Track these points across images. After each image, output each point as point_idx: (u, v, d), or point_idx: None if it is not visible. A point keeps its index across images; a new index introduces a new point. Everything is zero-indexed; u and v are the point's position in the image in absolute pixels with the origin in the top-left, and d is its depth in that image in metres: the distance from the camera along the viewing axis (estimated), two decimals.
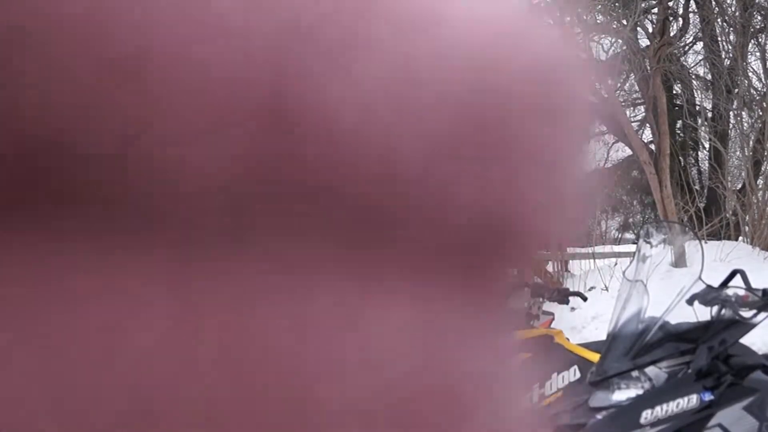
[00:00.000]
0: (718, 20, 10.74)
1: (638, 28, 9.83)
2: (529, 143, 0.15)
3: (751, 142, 9.59)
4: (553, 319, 4.69)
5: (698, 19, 12.33)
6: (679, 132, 14.77)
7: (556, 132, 0.15)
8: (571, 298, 4.04)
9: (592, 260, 9.43)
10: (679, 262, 4.44)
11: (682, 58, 12.81)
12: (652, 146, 11.30)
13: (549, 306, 4.33)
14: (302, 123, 0.13)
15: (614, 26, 10.55)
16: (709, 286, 2.16)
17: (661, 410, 1.99)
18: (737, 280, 2.18)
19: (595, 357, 2.85)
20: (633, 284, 2.25)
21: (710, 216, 8.72)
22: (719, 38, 10.93)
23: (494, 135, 0.14)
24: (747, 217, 8.63)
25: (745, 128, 9.88)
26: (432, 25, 0.14)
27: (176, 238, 0.13)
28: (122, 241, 0.12)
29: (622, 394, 2.09)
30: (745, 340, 2.15)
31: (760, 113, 9.51)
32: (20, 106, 0.12)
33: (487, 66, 0.14)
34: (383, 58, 0.13)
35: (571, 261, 10.45)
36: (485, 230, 0.15)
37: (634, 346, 2.14)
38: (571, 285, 8.12)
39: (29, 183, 0.12)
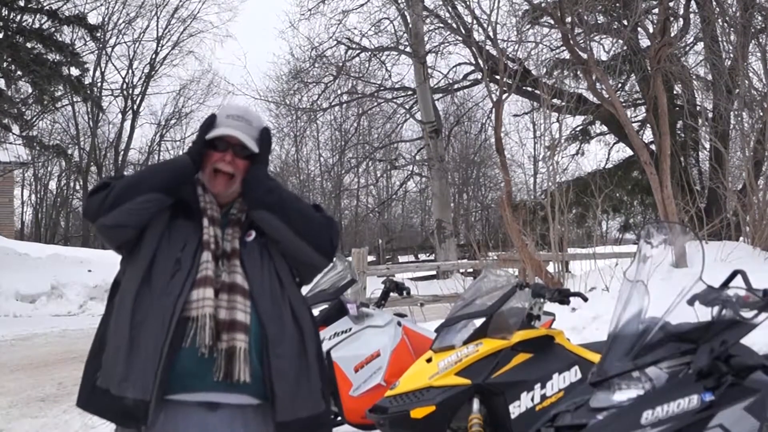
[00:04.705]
0: (719, 21, 10.71)
1: (639, 29, 9.81)
2: None
3: (751, 143, 9.57)
4: (554, 319, 4.68)
5: (699, 20, 12.28)
6: (679, 132, 14.72)
7: None
8: (572, 299, 4.03)
9: (593, 261, 9.42)
10: (680, 262, 4.44)
11: (683, 59, 12.74)
12: (653, 147, 11.25)
13: (550, 306, 4.32)
14: None
15: (615, 26, 10.51)
16: (710, 287, 2.15)
17: (662, 411, 1.98)
18: (738, 281, 2.17)
19: (595, 357, 2.85)
20: (634, 285, 2.24)
21: (711, 216, 8.69)
22: (720, 38, 10.89)
23: None
24: (747, 218, 8.61)
25: (745, 129, 9.86)
26: None
27: None
28: None
29: (622, 395, 2.09)
30: (746, 340, 2.14)
31: (761, 114, 9.48)
32: None
33: None
34: None
35: (571, 261, 10.44)
36: None
37: (634, 346, 2.13)
38: (571, 286, 8.09)
39: None
